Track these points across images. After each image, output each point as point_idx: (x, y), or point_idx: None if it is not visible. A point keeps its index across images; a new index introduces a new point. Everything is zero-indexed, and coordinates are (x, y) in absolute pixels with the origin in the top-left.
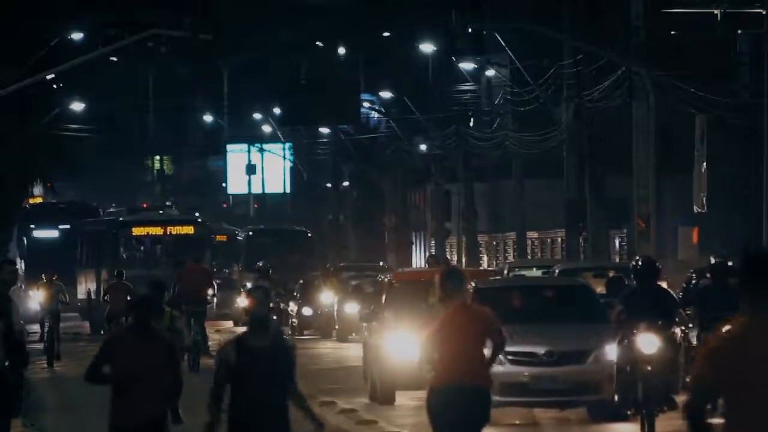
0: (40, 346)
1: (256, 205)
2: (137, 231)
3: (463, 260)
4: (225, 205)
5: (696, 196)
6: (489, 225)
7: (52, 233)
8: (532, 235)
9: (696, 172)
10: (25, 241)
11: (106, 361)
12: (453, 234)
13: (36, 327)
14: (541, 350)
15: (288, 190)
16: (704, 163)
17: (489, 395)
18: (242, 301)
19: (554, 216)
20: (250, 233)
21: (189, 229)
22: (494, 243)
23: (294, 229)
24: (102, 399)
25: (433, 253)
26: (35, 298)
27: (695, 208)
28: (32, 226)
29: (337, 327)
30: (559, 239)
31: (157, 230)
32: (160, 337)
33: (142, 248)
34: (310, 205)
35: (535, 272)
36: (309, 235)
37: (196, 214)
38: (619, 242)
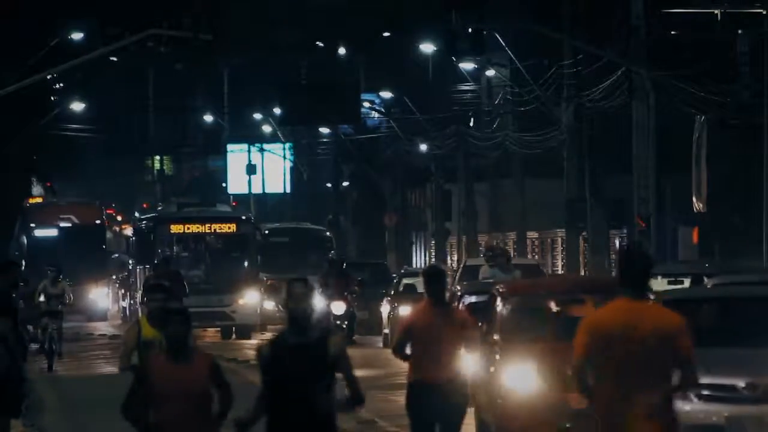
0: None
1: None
2: (175, 228)
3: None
4: None
5: (696, 196)
6: (489, 225)
7: (52, 232)
8: (532, 235)
9: (696, 172)
10: (25, 241)
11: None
12: (453, 234)
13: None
14: (741, 383)
15: (288, 190)
16: (704, 163)
17: (465, 386)
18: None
19: (554, 216)
20: (266, 231)
21: (232, 227)
22: (494, 243)
23: (312, 228)
24: (101, 399)
25: (493, 245)
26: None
27: (695, 208)
28: (32, 225)
29: (386, 331)
30: (559, 239)
31: (197, 227)
32: (201, 355)
33: (180, 247)
34: (310, 205)
35: (660, 281)
36: (328, 234)
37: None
38: (619, 242)
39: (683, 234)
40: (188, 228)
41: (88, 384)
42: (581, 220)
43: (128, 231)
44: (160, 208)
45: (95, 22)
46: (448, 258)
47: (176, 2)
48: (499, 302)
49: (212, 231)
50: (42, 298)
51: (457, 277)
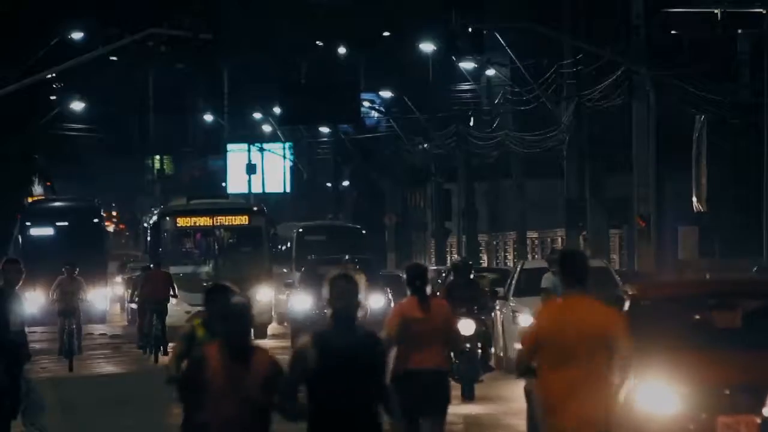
0: (45, 345)
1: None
2: (183, 221)
3: None
4: None
5: (696, 195)
6: (489, 225)
7: (48, 231)
8: (532, 234)
9: (695, 172)
10: (20, 240)
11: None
12: (453, 234)
13: (40, 328)
14: None
15: (288, 190)
16: (704, 163)
17: (447, 376)
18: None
19: (554, 216)
20: (300, 230)
21: (243, 220)
22: (494, 243)
23: (347, 226)
24: (101, 399)
25: (555, 248)
26: (32, 299)
27: (695, 208)
28: (28, 223)
29: None
30: (559, 239)
31: (205, 221)
32: (260, 355)
33: (189, 241)
34: (310, 204)
35: None
36: (363, 232)
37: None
38: (619, 242)
39: (683, 234)
40: (197, 221)
41: (88, 384)
42: (581, 220)
43: (110, 228)
44: (168, 204)
45: (95, 22)
46: (448, 258)
47: (176, 2)
48: (629, 307)
49: (222, 224)
50: (56, 296)
51: (513, 283)
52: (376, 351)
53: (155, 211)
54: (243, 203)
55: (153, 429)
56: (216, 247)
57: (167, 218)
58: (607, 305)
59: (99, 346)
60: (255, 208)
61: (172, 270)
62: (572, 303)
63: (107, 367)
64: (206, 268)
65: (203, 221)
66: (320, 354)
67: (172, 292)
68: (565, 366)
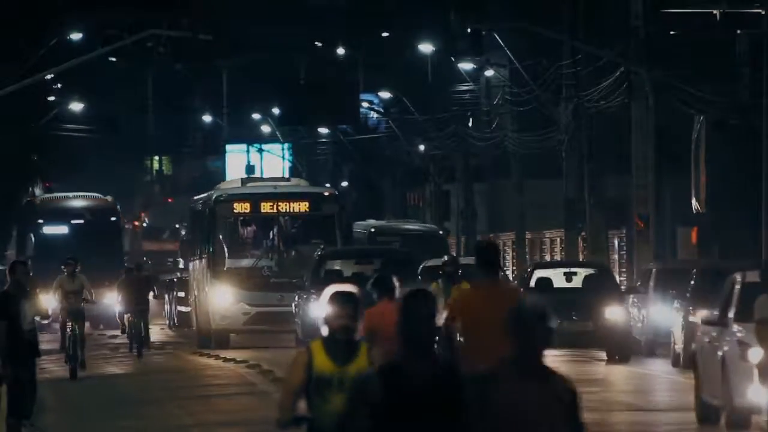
0: (52, 347)
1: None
2: (240, 207)
3: None
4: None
5: (695, 196)
6: (488, 225)
7: (63, 229)
8: (531, 235)
9: (694, 173)
10: (32, 238)
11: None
12: (452, 234)
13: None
14: None
15: None
16: (703, 164)
17: None
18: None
19: (553, 216)
20: (372, 230)
21: (311, 206)
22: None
23: (425, 227)
24: (101, 399)
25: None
26: (46, 300)
27: (694, 209)
28: (40, 221)
29: None
30: (558, 239)
31: (267, 207)
32: (563, 382)
33: (247, 231)
34: None
35: None
36: (441, 233)
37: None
38: (618, 242)
39: (682, 234)
40: (256, 207)
41: (88, 384)
42: (580, 221)
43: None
44: (218, 186)
45: (95, 22)
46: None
47: (176, 2)
48: None
49: (289, 211)
50: (58, 296)
51: (733, 304)
52: (460, 384)
53: (203, 196)
54: (312, 187)
55: (152, 429)
56: (279, 238)
57: (221, 204)
58: (516, 289)
59: (99, 347)
60: (327, 194)
61: (228, 264)
62: (486, 287)
63: (107, 368)
64: (268, 263)
65: (267, 207)
66: (387, 387)
67: (152, 296)
68: (482, 335)
